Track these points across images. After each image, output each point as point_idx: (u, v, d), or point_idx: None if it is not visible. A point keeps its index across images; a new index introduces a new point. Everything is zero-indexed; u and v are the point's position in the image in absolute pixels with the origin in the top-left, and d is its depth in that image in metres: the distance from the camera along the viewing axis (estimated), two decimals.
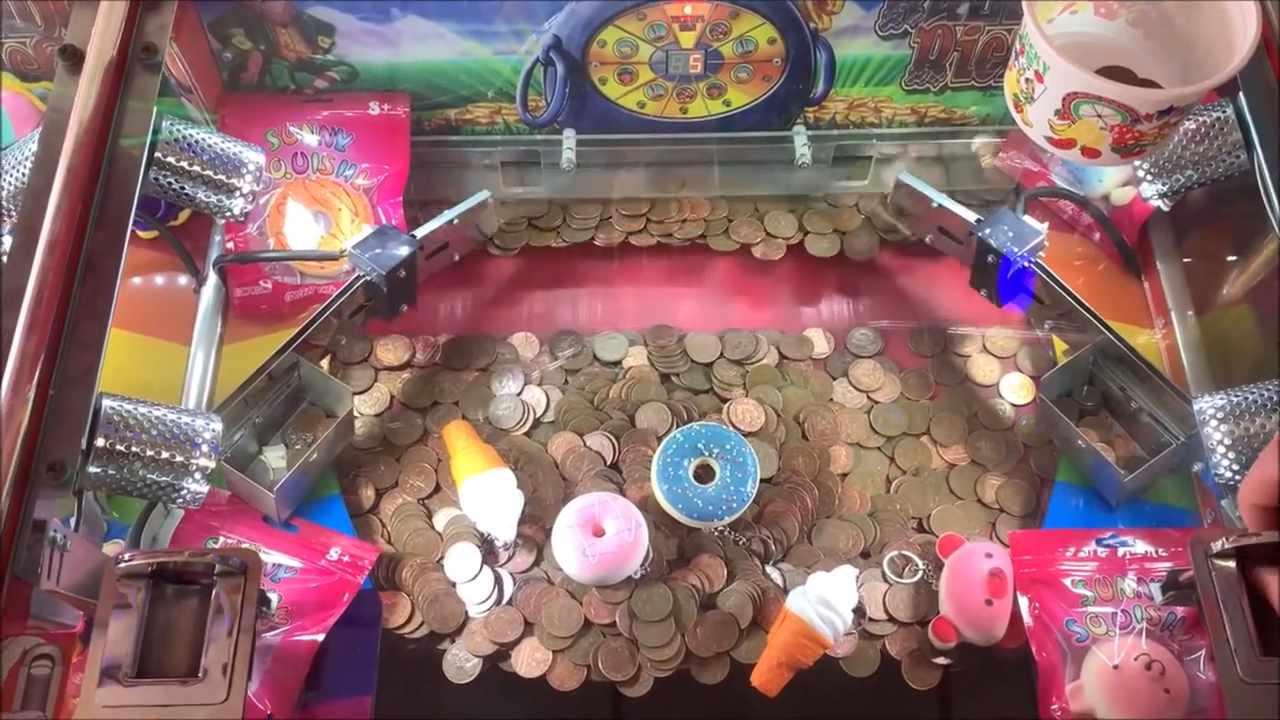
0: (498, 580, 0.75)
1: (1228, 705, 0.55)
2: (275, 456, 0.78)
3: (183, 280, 0.88)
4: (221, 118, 0.89)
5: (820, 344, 0.87)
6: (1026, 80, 0.68)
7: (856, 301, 0.91)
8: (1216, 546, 0.57)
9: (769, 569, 0.76)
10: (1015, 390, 0.85)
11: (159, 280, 0.89)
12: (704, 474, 0.76)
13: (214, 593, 0.55)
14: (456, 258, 0.87)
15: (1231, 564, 0.57)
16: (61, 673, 0.53)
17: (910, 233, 0.90)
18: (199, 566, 0.55)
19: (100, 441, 0.59)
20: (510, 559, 0.76)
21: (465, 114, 0.92)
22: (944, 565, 0.73)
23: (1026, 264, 0.79)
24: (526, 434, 0.83)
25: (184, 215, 0.89)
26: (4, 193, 0.69)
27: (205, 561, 0.55)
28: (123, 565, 0.55)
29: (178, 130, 0.70)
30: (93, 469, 0.60)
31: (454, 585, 0.75)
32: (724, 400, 0.84)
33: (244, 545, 0.72)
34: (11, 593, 0.53)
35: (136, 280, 0.88)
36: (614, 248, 0.92)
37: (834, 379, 0.86)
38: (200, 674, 0.53)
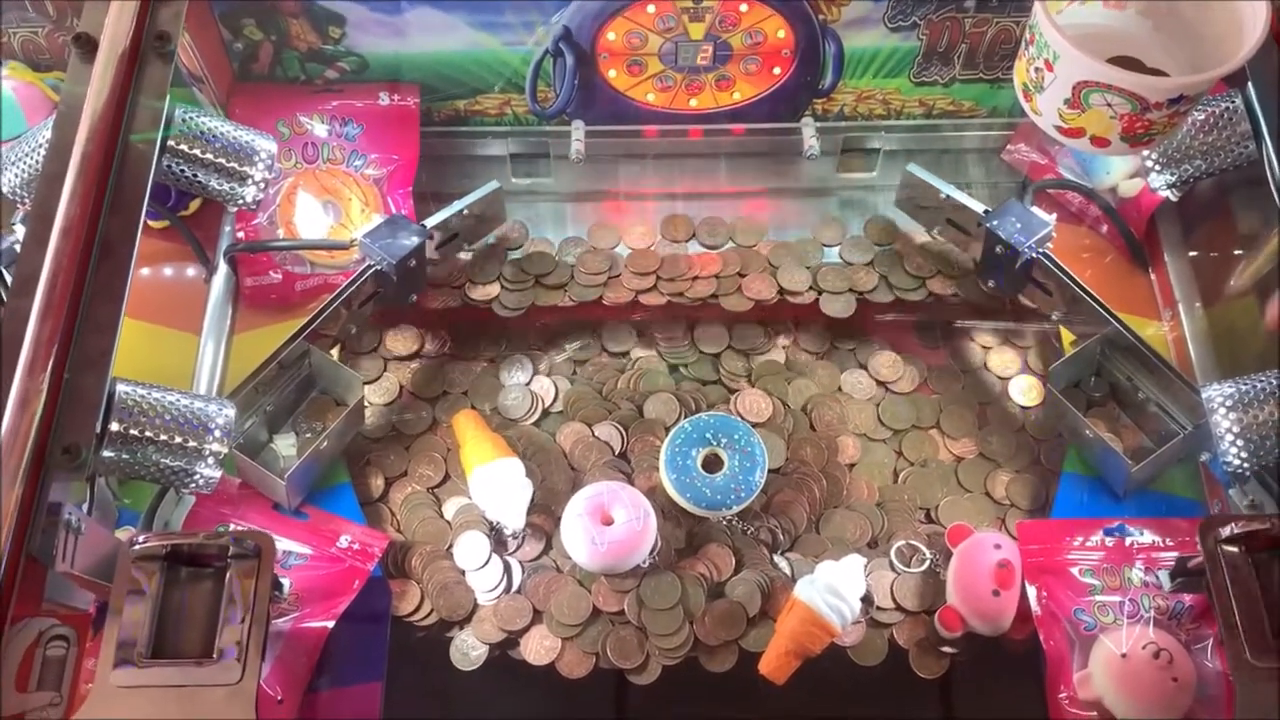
0: (507, 568, 0.75)
1: (1237, 689, 0.55)
2: (286, 444, 0.79)
3: (192, 270, 0.89)
4: (232, 108, 0.89)
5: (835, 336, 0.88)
6: (1036, 70, 0.69)
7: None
8: (1226, 532, 0.58)
9: (777, 558, 0.76)
10: (1024, 392, 0.85)
11: (170, 269, 0.89)
12: (712, 464, 0.76)
13: (228, 575, 0.56)
14: (465, 248, 0.87)
15: (1241, 549, 0.57)
16: (77, 654, 0.54)
17: (919, 225, 0.90)
18: (213, 549, 0.56)
19: (115, 426, 0.60)
20: (519, 547, 0.76)
21: (474, 105, 0.93)
22: (952, 555, 0.74)
23: (1035, 255, 0.79)
24: (535, 424, 0.83)
25: (194, 205, 0.90)
26: (18, 180, 0.70)
27: (219, 544, 0.56)
28: (138, 548, 0.56)
29: (190, 118, 0.70)
30: (107, 453, 0.60)
31: (463, 573, 0.75)
32: (731, 391, 0.84)
33: None
34: (27, 574, 0.53)
35: (147, 270, 0.89)
36: (622, 306, 0.88)
37: (850, 369, 0.86)
38: (215, 655, 0.53)
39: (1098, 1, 0.74)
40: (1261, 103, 0.73)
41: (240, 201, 0.73)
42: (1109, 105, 0.66)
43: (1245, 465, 0.68)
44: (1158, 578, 0.70)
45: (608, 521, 0.73)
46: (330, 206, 0.88)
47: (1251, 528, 0.57)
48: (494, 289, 0.87)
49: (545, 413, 0.84)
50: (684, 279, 0.87)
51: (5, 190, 0.71)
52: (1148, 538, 0.73)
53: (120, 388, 0.61)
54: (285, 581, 0.68)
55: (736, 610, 0.73)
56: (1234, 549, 0.58)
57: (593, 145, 0.91)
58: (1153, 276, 0.90)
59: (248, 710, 0.53)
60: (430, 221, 0.82)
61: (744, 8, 0.85)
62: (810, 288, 0.87)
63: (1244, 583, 0.57)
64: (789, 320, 0.88)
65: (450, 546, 0.76)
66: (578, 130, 0.91)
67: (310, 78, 0.91)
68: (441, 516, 0.78)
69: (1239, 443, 0.68)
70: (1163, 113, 0.65)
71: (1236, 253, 0.88)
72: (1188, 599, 0.69)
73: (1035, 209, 0.81)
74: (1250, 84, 0.73)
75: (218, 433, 0.64)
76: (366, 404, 0.82)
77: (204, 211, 0.90)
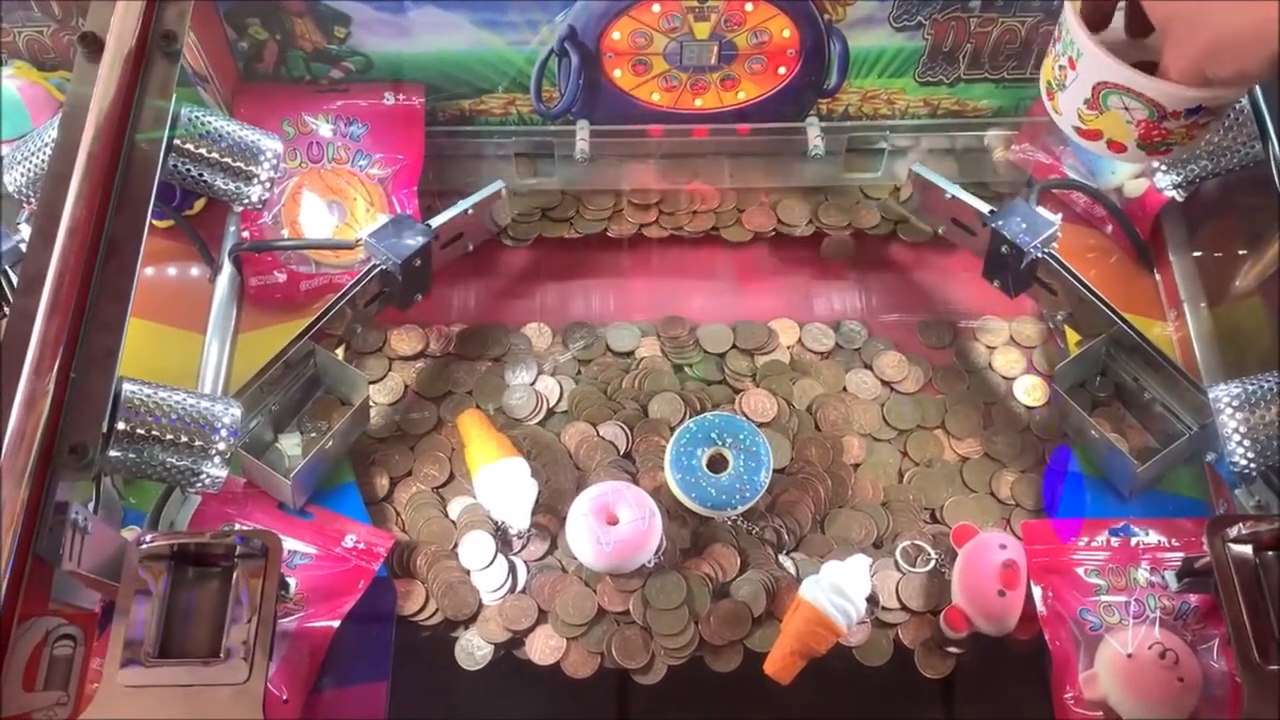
0: (512, 568, 0.75)
1: (1244, 688, 0.55)
2: (291, 444, 0.79)
3: (197, 269, 0.89)
4: (236, 107, 0.89)
5: (840, 336, 0.88)
6: (1060, 67, 0.68)
7: (868, 294, 0.91)
8: (1233, 532, 0.58)
9: (782, 558, 0.76)
10: (1028, 392, 0.85)
11: (174, 269, 0.89)
12: (717, 464, 0.76)
13: (235, 575, 0.56)
14: (470, 247, 0.88)
15: (1248, 549, 0.57)
16: (84, 653, 0.54)
17: (923, 225, 0.90)
18: (220, 548, 0.56)
19: (121, 425, 0.59)
20: (524, 547, 0.76)
21: (479, 104, 0.93)
22: (957, 555, 0.74)
23: (1040, 255, 0.79)
24: (540, 424, 0.83)
25: (199, 205, 0.90)
26: (23, 179, 0.70)
27: (226, 543, 0.56)
28: (144, 547, 0.56)
29: (197, 118, 0.70)
30: (113, 452, 0.60)
31: (468, 573, 0.75)
32: (736, 391, 0.84)
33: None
34: (34, 574, 0.53)
35: (152, 269, 0.89)
36: (626, 239, 0.92)
37: (848, 370, 0.86)
38: (222, 654, 0.53)
39: None
40: (1268, 104, 0.73)
41: (246, 201, 0.73)
42: (1126, 109, 0.65)
43: (1252, 465, 0.68)
44: (1163, 578, 0.70)
45: (613, 521, 0.73)
46: (335, 206, 0.88)
47: (1259, 528, 0.57)
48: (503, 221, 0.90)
49: (550, 412, 0.84)
50: (684, 212, 0.91)
51: (10, 189, 0.71)
52: (1153, 538, 0.73)
53: (127, 387, 0.61)
54: (291, 581, 0.68)
55: (742, 610, 0.73)
56: (1241, 549, 0.58)
57: (597, 145, 0.91)
58: (1158, 276, 0.89)
59: (255, 710, 0.53)
60: (435, 221, 0.82)
61: (749, 7, 0.85)
62: (809, 222, 0.91)
63: (1251, 583, 0.57)
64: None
65: (455, 546, 0.76)
66: (582, 130, 0.91)
67: (315, 77, 0.91)
68: (446, 516, 0.78)
69: (1246, 443, 0.68)
70: (1180, 123, 0.64)
71: (1241, 253, 0.88)
72: (1193, 599, 0.69)
73: (1040, 209, 0.81)
74: (1258, 85, 0.73)
75: (224, 432, 0.64)
76: (371, 404, 0.82)
77: (209, 211, 0.90)
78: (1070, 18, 0.66)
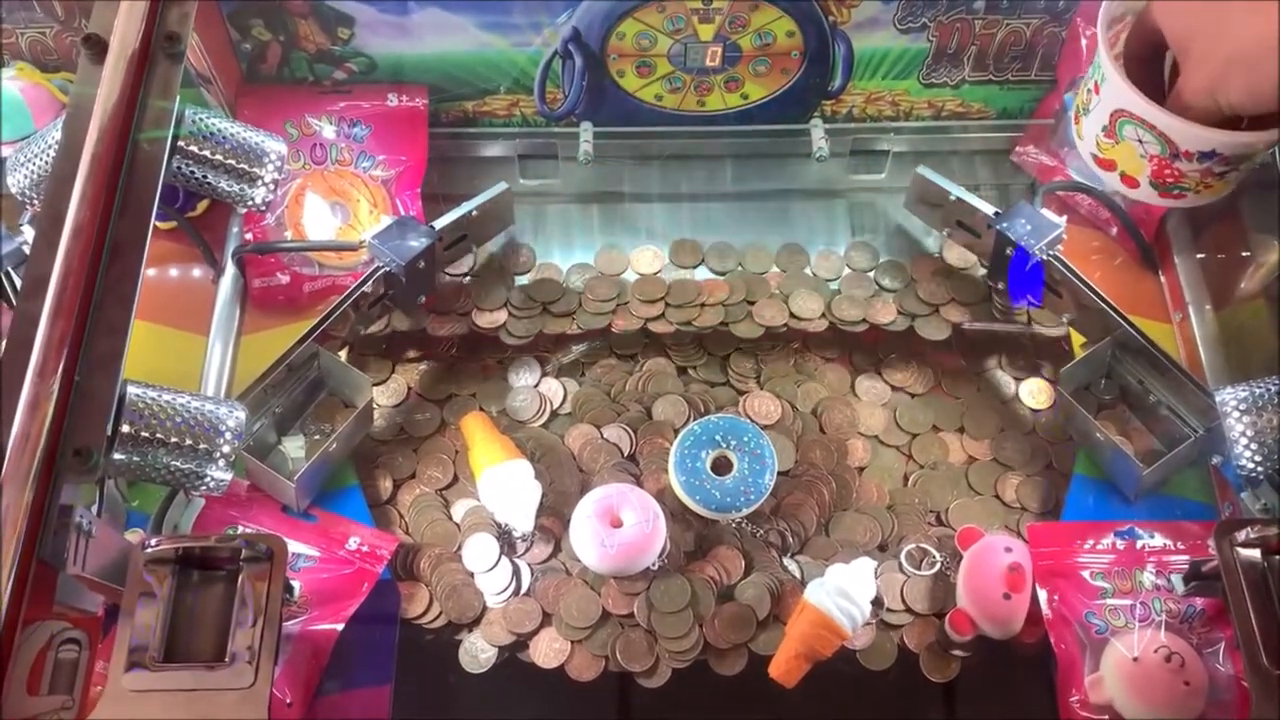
0: (516, 571, 0.75)
1: (1253, 693, 0.55)
2: (294, 446, 0.79)
3: (200, 271, 0.88)
4: (239, 108, 0.89)
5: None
6: (1088, 90, 0.67)
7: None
8: (1242, 536, 0.58)
9: (787, 561, 0.76)
10: (1034, 395, 0.85)
11: (177, 271, 0.89)
12: (721, 466, 0.76)
13: (240, 578, 0.56)
14: (470, 266, 0.87)
15: (1257, 552, 0.57)
16: (88, 657, 0.53)
17: (928, 226, 0.90)
18: (225, 552, 0.56)
19: (125, 428, 0.59)
20: (528, 550, 0.76)
21: (483, 106, 0.93)
22: (962, 558, 0.73)
23: (1045, 257, 0.79)
24: (544, 426, 0.83)
25: (202, 206, 0.90)
26: (27, 181, 0.70)
27: (231, 547, 0.56)
28: (149, 550, 0.56)
29: (201, 119, 0.70)
30: (117, 455, 0.60)
31: (472, 576, 0.75)
32: (740, 393, 0.84)
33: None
34: (38, 578, 0.53)
35: (154, 271, 0.88)
36: (632, 334, 0.87)
37: (860, 372, 0.86)
38: (227, 659, 0.53)
39: None
40: None
41: (250, 203, 0.73)
42: (1140, 142, 0.64)
43: (1259, 468, 0.68)
44: (1169, 581, 0.70)
45: (617, 524, 0.73)
46: (338, 208, 0.88)
47: (1267, 531, 0.57)
48: (501, 316, 0.86)
49: (554, 414, 0.83)
50: (692, 305, 0.86)
51: (14, 191, 0.71)
52: (1159, 541, 0.73)
53: (131, 390, 0.61)
54: (295, 584, 0.68)
55: (746, 613, 0.73)
56: (1250, 553, 0.58)
57: (601, 147, 0.91)
58: (1163, 279, 0.89)
59: (260, 713, 0.52)
60: (439, 223, 0.82)
61: (754, 9, 0.85)
62: (822, 315, 0.86)
63: (1260, 587, 0.57)
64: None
65: (459, 549, 0.76)
66: (586, 132, 0.91)
67: (318, 79, 0.91)
68: (450, 519, 0.78)
69: (1253, 446, 0.67)
70: (1193, 165, 0.63)
71: (1247, 255, 0.87)
72: (1199, 602, 0.69)
73: (1045, 210, 0.80)
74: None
75: (229, 435, 0.63)
76: (375, 406, 0.81)
77: (211, 212, 0.90)
78: (1102, 38, 0.65)
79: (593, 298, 0.87)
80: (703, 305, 0.86)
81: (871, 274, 0.89)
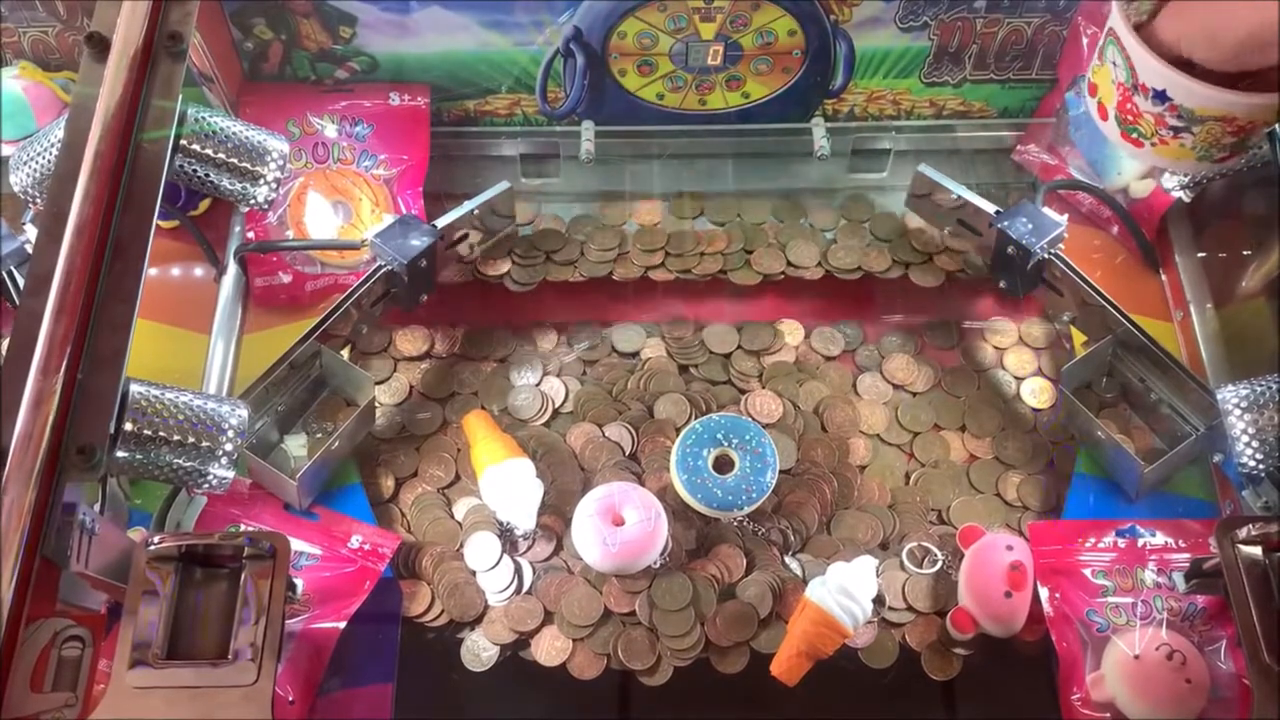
0: (517, 569, 0.75)
1: (1254, 690, 0.55)
2: (296, 445, 0.79)
3: (202, 270, 0.89)
4: (242, 107, 0.89)
5: (846, 338, 0.88)
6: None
7: (875, 294, 0.91)
8: (1243, 533, 0.58)
9: (788, 559, 0.76)
10: (1035, 394, 0.85)
11: (179, 269, 0.89)
12: (723, 464, 0.76)
13: (242, 576, 0.56)
14: (474, 249, 0.87)
15: (1258, 550, 0.57)
16: (92, 654, 0.53)
17: (929, 224, 0.90)
18: (228, 549, 0.56)
19: (128, 426, 0.59)
20: (530, 548, 0.76)
21: (484, 105, 0.93)
22: (964, 556, 0.73)
23: (1046, 256, 0.79)
24: (545, 424, 0.83)
25: (204, 205, 0.90)
26: (30, 180, 0.70)
27: (234, 544, 0.56)
28: (153, 548, 0.56)
29: (203, 118, 0.70)
30: (120, 453, 0.60)
31: (474, 574, 0.75)
32: (742, 392, 0.84)
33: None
34: (41, 576, 0.53)
35: (156, 269, 0.89)
36: (632, 281, 0.89)
37: (862, 371, 0.86)
38: (230, 656, 0.53)
39: None
40: None
41: (252, 201, 0.73)
42: (1114, 65, 0.64)
43: (1260, 466, 0.68)
44: (1170, 579, 0.70)
45: (619, 522, 0.73)
46: (340, 207, 0.88)
47: (1269, 529, 0.57)
48: (505, 264, 0.88)
49: (555, 413, 0.83)
50: (691, 254, 0.88)
51: (17, 190, 0.71)
52: (1160, 539, 0.73)
53: (134, 388, 0.61)
54: (298, 582, 0.68)
55: (748, 611, 0.73)
56: (1251, 550, 0.58)
57: (603, 145, 0.91)
58: (1164, 277, 0.89)
59: (263, 711, 0.53)
60: (441, 222, 0.82)
61: (755, 8, 0.85)
62: (818, 264, 0.88)
63: (1261, 584, 0.57)
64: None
65: (461, 547, 0.76)
66: (588, 130, 0.91)
67: (320, 78, 0.91)
68: (452, 517, 0.78)
69: (1254, 444, 0.67)
70: (1149, 105, 0.63)
71: (1248, 253, 0.88)
72: (1200, 600, 0.69)
73: (1047, 209, 0.80)
74: None
75: (231, 433, 0.64)
76: (377, 404, 0.82)
77: (214, 211, 0.90)
78: None
79: (595, 246, 0.89)
80: (702, 254, 0.88)
81: (867, 224, 0.91)
